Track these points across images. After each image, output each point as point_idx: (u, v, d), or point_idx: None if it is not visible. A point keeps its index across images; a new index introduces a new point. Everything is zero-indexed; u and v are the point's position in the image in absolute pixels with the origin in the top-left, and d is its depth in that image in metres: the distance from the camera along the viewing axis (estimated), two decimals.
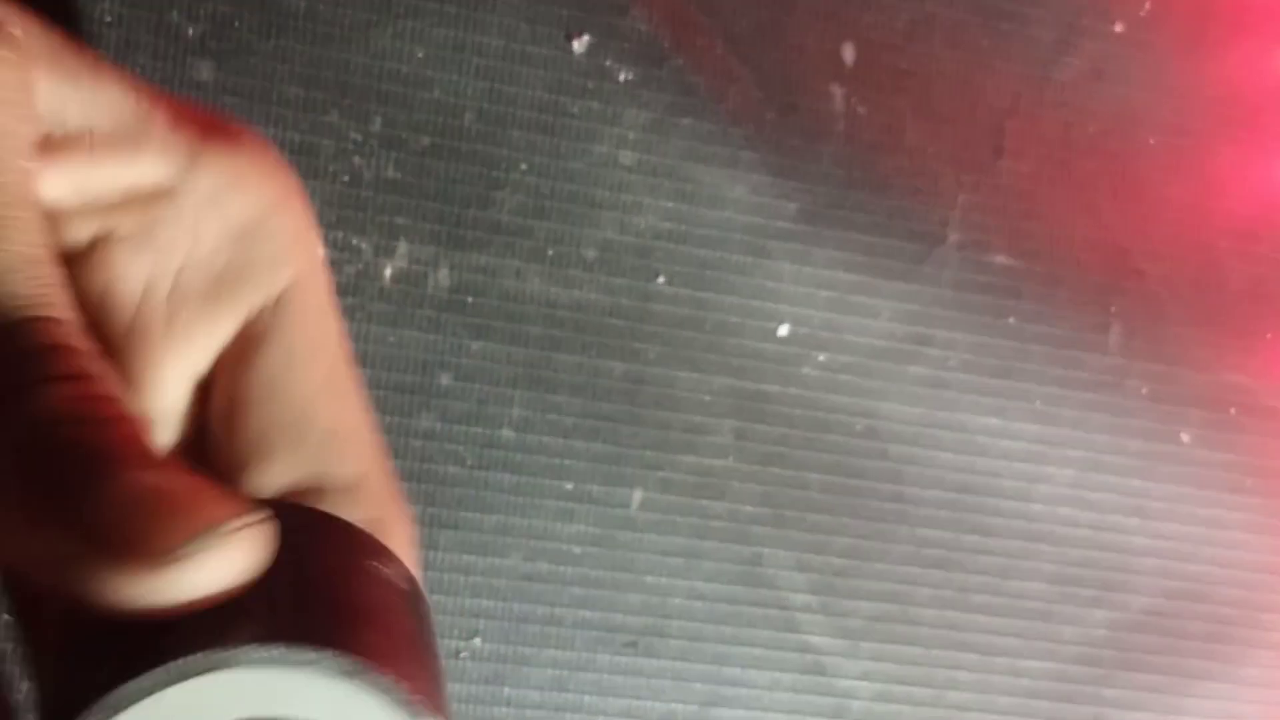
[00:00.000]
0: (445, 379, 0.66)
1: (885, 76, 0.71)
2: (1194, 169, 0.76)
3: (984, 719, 0.72)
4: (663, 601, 0.68)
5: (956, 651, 0.72)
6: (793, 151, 0.70)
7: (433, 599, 0.67)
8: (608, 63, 0.67)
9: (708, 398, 0.69)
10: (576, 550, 0.67)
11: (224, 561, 0.19)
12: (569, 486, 0.67)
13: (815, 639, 0.70)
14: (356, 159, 0.64)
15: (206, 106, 0.26)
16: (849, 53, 0.71)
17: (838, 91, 0.71)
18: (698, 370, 0.69)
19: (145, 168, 0.24)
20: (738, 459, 0.69)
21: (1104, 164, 0.75)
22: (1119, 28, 0.75)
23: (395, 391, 0.65)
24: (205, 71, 0.62)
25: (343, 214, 0.64)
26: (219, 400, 0.26)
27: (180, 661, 0.17)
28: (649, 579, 0.68)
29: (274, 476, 0.27)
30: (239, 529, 0.19)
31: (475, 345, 0.66)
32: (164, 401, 0.26)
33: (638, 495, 0.68)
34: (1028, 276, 0.73)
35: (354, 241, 0.64)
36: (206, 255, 0.25)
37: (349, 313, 0.64)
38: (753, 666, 0.69)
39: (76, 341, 0.21)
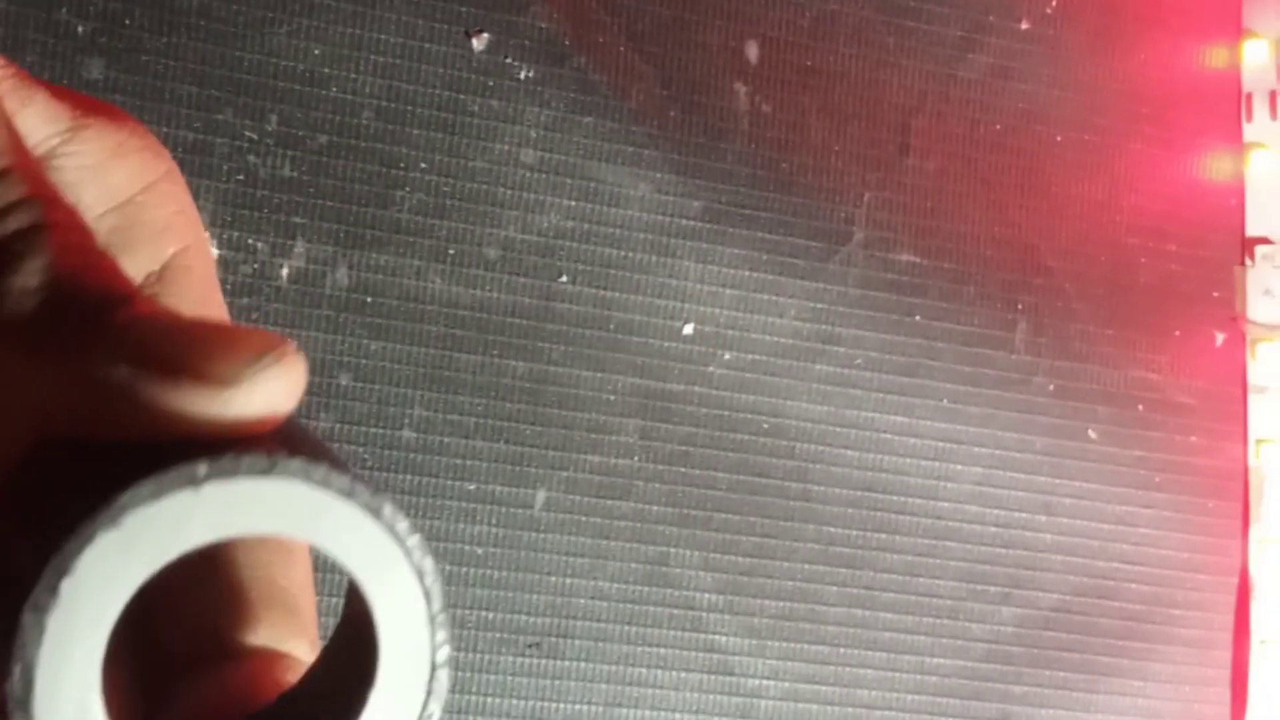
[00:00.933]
0: (344, 379, 0.65)
1: (790, 74, 0.71)
2: (1102, 166, 0.77)
3: (892, 717, 0.72)
4: (567, 602, 0.68)
5: (864, 650, 0.72)
6: (696, 150, 0.70)
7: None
8: (508, 60, 0.67)
9: (612, 397, 0.68)
10: (479, 551, 0.67)
11: (280, 382, 0.20)
12: (471, 487, 0.67)
13: (722, 638, 0.70)
14: (251, 158, 0.64)
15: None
16: (753, 51, 0.71)
17: (741, 89, 0.71)
18: (602, 370, 0.68)
19: (27, 126, 0.24)
20: (643, 459, 0.69)
21: (1011, 161, 0.75)
22: (1025, 25, 0.75)
23: None
24: (95, 69, 0.61)
25: (238, 213, 0.63)
26: None
27: (235, 457, 0.19)
28: (553, 579, 0.68)
29: None
30: (289, 354, 0.21)
31: (375, 345, 0.66)
32: None
33: (541, 495, 0.67)
34: (934, 274, 0.73)
35: (250, 241, 0.64)
36: (90, 222, 0.25)
37: (245, 313, 0.64)
38: (659, 666, 0.69)
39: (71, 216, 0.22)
